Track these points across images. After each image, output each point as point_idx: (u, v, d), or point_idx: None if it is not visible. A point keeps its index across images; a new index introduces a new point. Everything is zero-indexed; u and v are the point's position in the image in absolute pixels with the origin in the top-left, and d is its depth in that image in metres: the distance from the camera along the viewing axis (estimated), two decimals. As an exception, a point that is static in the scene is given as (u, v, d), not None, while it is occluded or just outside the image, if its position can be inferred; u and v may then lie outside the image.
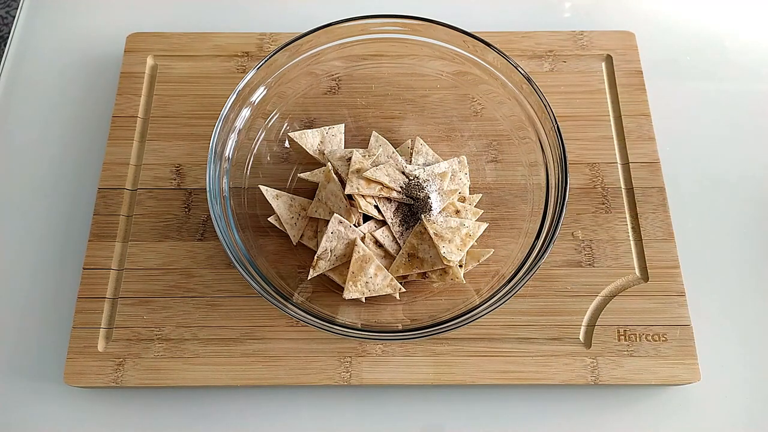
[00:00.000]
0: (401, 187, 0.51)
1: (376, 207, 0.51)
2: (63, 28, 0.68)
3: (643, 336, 0.51)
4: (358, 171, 0.51)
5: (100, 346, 0.51)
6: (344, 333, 0.43)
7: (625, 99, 0.60)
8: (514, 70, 0.50)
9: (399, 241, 0.51)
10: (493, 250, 0.52)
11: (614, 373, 0.50)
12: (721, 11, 0.70)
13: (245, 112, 0.52)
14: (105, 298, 0.52)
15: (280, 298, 0.44)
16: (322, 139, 0.56)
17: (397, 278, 0.50)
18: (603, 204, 0.56)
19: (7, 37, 0.71)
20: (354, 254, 0.49)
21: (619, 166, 0.58)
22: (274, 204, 0.53)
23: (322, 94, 0.58)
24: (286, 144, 0.57)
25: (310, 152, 0.55)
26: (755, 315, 0.55)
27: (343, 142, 0.56)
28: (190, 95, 0.61)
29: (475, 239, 0.51)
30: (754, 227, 0.58)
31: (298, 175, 0.55)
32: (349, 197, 0.51)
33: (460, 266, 0.51)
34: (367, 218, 0.52)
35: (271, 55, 0.50)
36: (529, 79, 0.49)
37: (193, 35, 0.63)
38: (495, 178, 0.56)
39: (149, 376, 0.50)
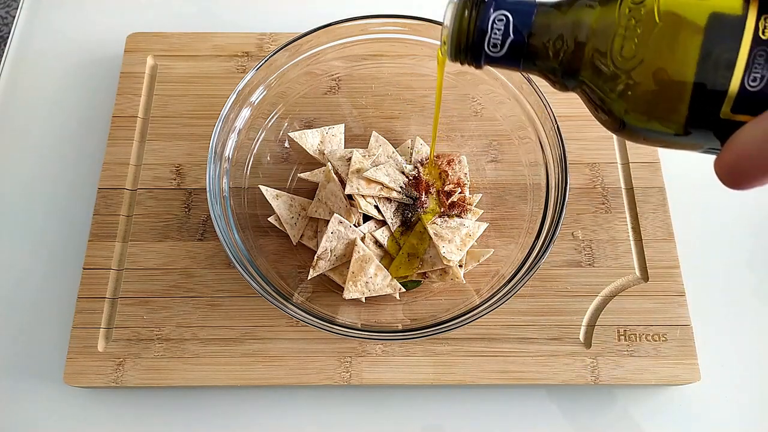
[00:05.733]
0: (401, 187, 0.51)
1: (376, 207, 0.51)
2: (63, 28, 0.68)
3: (643, 336, 0.51)
4: (358, 171, 0.51)
5: (100, 346, 0.51)
6: (344, 333, 0.43)
7: (625, 99, 0.60)
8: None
9: (399, 241, 0.51)
10: (493, 250, 0.52)
11: (614, 373, 0.50)
12: (721, 11, 0.70)
13: (245, 112, 0.52)
14: (105, 298, 0.52)
15: (280, 298, 0.44)
16: (322, 139, 0.56)
17: (397, 278, 0.50)
18: (603, 204, 0.56)
19: (7, 37, 0.71)
20: (354, 254, 0.49)
21: (619, 166, 0.58)
22: (274, 204, 0.53)
23: (322, 94, 0.58)
24: (286, 144, 0.57)
25: (310, 152, 0.55)
26: (755, 315, 0.55)
27: (343, 142, 0.56)
28: (190, 95, 0.61)
29: (475, 239, 0.51)
30: (754, 227, 0.58)
31: (298, 175, 0.55)
32: (349, 197, 0.51)
33: (460, 266, 0.51)
34: (367, 218, 0.52)
35: (271, 55, 0.50)
36: (529, 79, 0.49)
37: (193, 35, 0.63)
38: (495, 178, 0.56)
39: (149, 376, 0.50)
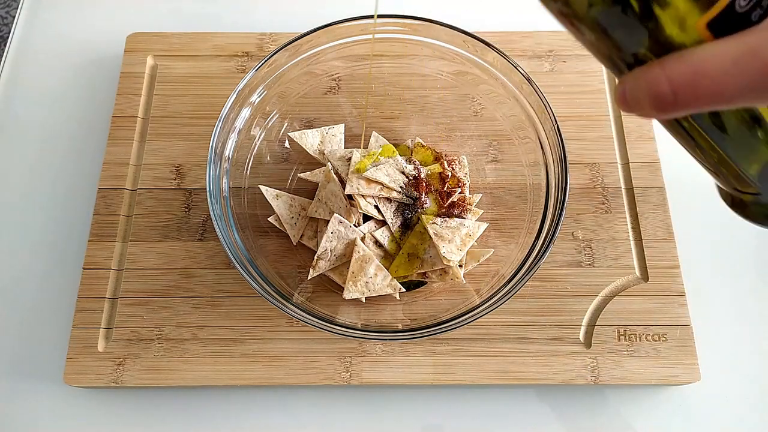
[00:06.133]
0: (401, 187, 0.51)
1: (376, 207, 0.51)
2: (63, 28, 0.68)
3: (643, 336, 0.51)
4: (358, 171, 0.51)
5: (100, 346, 0.51)
6: (344, 333, 0.43)
7: (625, 99, 0.60)
8: (514, 70, 0.50)
9: (399, 241, 0.51)
10: (493, 250, 0.52)
11: (614, 373, 0.50)
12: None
13: (245, 112, 0.52)
14: (105, 298, 0.52)
15: (280, 298, 0.44)
16: (322, 139, 0.56)
17: (398, 278, 0.50)
18: (603, 204, 0.56)
19: (7, 37, 0.71)
20: (354, 254, 0.49)
21: (619, 166, 0.58)
22: (274, 204, 0.53)
23: (322, 94, 0.58)
24: (286, 144, 0.57)
25: (310, 152, 0.55)
26: (755, 314, 0.55)
27: (343, 142, 0.56)
28: (190, 95, 0.61)
29: (475, 239, 0.51)
30: (753, 227, 0.58)
31: (298, 175, 0.55)
32: (349, 197, 0.51)
33: (460, 266, 0.51)
34: (367, 218, 0.52)
35: (271, 55, 0.50)
36: (529, 79, 0.49)
37: (193, 35, 0.63)
38: (495, 178, 0.56)
39: (149, 376, 0.50)
